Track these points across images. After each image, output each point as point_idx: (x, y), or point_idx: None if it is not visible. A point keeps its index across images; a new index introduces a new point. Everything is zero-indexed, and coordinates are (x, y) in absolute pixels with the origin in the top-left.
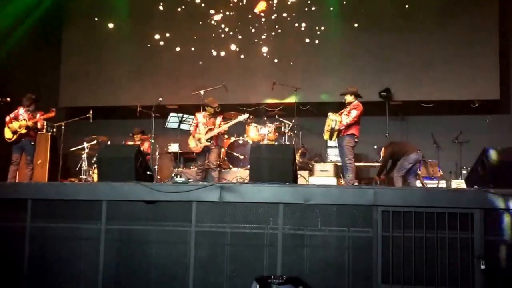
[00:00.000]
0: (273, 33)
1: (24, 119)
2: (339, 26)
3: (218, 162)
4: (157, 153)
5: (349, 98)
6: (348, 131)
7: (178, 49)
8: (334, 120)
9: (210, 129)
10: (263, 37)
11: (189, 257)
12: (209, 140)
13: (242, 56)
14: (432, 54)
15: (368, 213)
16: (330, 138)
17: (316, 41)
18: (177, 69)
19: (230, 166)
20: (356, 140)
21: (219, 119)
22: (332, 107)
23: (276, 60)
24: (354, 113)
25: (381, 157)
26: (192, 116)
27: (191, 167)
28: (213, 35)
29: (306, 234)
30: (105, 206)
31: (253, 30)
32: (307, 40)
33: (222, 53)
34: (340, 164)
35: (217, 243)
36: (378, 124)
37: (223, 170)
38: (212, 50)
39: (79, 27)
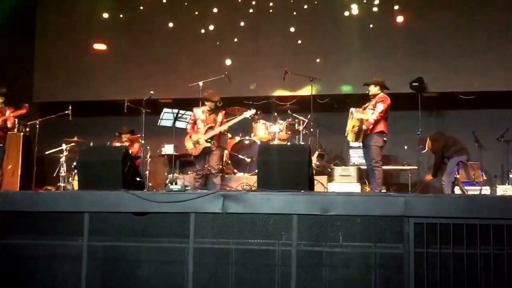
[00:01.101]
0: (285, 15)
1: None
2: (364, 6)
3: (220, 166)
4: (148, 156)
5: (373, 90)
6: (376, 128)
7: (172, 33)
8: (360, 119)
9: (211, 128)
10: (273, 19)
11: (187, 279)
12: (209, 140)
13: (248, 41)
14: (473, 37)
15: (398, 225)
16: (356, 140)
17: (337, 23)
18: (172, 57)
19: (235, 170)
20: (385, 139)
21: (220, 116)
22: (355, 100)
23: (288, 46)
24: (381, 107)
25: (430, 150)
26: (189, 112)
27: (189, 173)
28: (214, 17)
29: (325, 251)
30: (87, 219)
31: (261, 11)
32: (326, 22)
33: (225, 38)
34: (364, 167)
35: (219, 262)
36: (409, 120)
37: (226, 176)
38: (213, 35)
39: (56, 11)
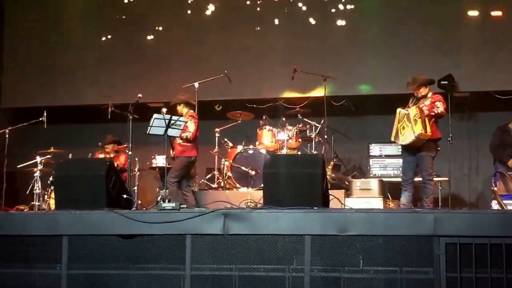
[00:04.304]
0: (292, 4)
1: None
2: None
3: (175, 180)
4: (136, 169)
5: (425, 90)
6: (434, 134)
7: (162, 27)
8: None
9: None
10: (279, 8)
11: None
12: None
13: (250, 35)
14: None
15: (427, 246)
16: (425, 129)
17: (353, 13)
18: (163, 55)
19: (237, 185)
20: (439, 148)
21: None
22: (375, 101)
23: (297, 39)
24: (442, 105)
25: None
26: (183, 118)
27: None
28: (213, 7)
29: (343, 277)
30: (66, 244)
31: (265, 0)
32: (341, 7)
33: (223, 31)
34: (388, 180)
35: None
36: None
37: (227, 191)
38: (210, 27)
39: (27, 2)
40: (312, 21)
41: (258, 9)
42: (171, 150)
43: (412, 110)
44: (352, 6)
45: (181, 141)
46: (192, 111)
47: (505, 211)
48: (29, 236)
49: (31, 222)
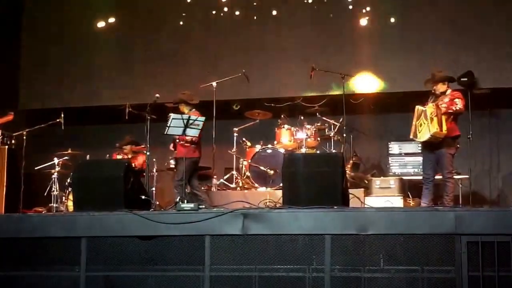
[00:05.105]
0: (311, 2)
1: None
2: None
3: (180, 181)
4: (154, 170)
5: (443, 87)
6: (452, 131)
7: (180, 26)
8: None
9: None
10: (297, 6)
11: None
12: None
13: (268, 34)
14: None
15: (448, 245)
16: (441, 128)
17: (372, 11)
18: (180, 54)
19: (256, 185)
20: (458, 145)
21: None
22: (394, 99)
23: (315, 38)
24: (461, 103)
25: None
26: (202, 118)
27: (202, 188)
28: (227, 6)
29: (364, 277)
30: (85, 245)
31: None
32: (360, 5)
33: (241, 30)
34: (408, 178)
35: None
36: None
37: (245, 191)
38: (228, 26)
39: (46, 5)
40: (330, 19)
41: (276, 8)
42: (173, 149)
43: (429, 108)
44: (371, 4)
45: (183, 142)
46: (194, 110)
47: None
48: (48, 238)
49: (50, 224)
